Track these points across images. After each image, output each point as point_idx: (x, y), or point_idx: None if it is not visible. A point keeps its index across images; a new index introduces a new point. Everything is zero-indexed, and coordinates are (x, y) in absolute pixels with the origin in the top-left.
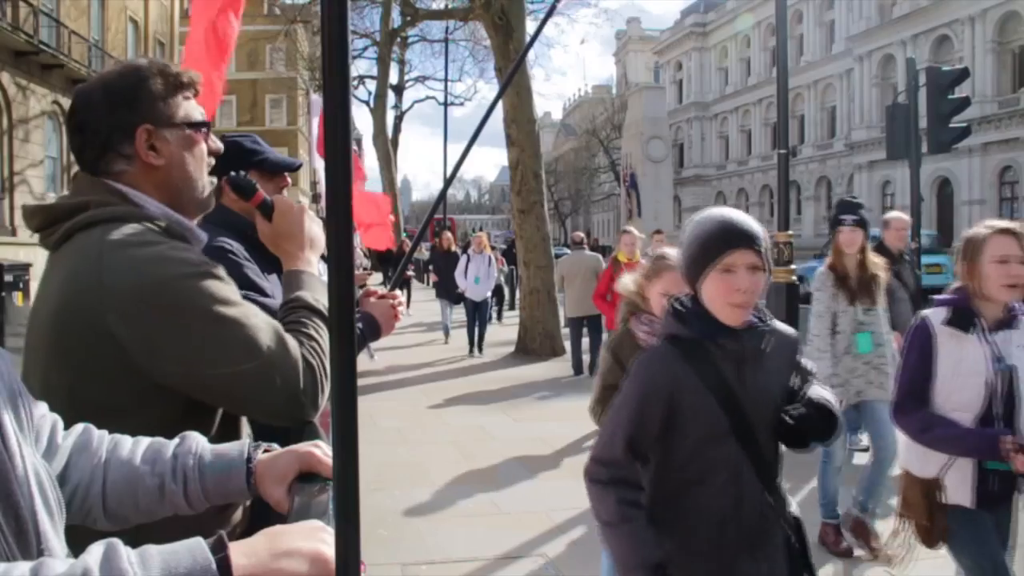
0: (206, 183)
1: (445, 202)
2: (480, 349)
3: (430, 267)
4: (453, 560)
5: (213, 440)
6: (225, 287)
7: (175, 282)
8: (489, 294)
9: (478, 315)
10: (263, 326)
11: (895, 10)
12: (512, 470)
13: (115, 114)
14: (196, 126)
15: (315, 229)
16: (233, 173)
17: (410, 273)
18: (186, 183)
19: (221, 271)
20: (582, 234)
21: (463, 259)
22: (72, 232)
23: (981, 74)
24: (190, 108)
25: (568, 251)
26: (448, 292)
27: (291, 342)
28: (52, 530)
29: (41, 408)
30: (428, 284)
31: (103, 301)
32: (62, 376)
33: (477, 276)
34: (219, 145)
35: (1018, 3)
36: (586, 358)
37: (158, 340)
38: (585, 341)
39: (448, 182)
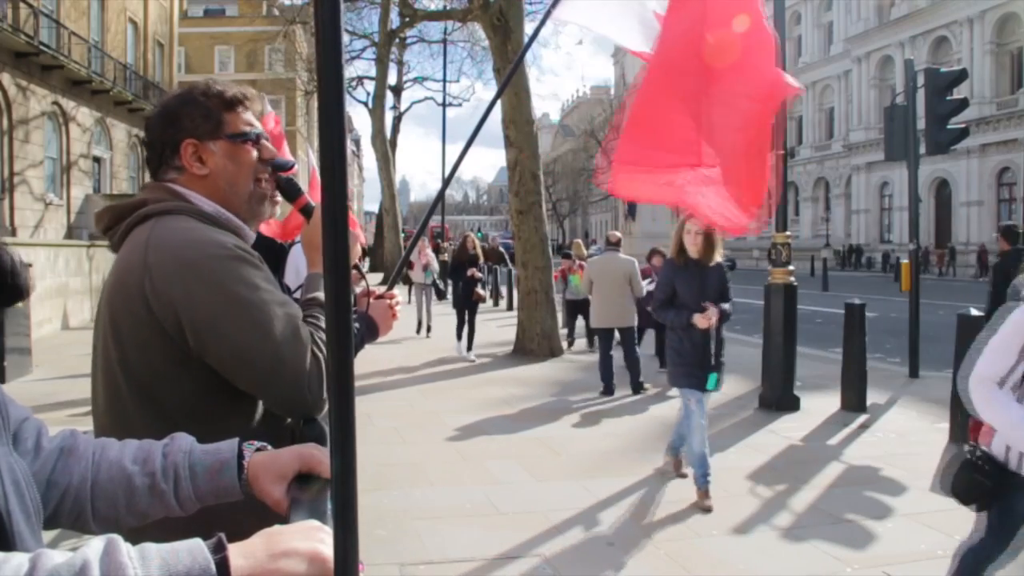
0: (250, 188)
1: (443, 203)
2: None
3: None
4: (451, 560)
5: (258, 425)
6: (252, 272)
7: (206, 261)
8: None
9: None
10: (279, 313)
11: (893, 11)
12: (510, 470)
13: (166, 131)
14: (242, 137)
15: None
16: (282, 175)
17: (480, 291)
18: (231, 189)
19: (254, 258)
20: (618, 234)
21: None
22: (132, 227)
23: (979, 75)
24: (239, 121)
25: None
26: (689, 374)
27: (303, 332)
28: (28, 530)
29: (24, 412)
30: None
31: (144, 276)
32: (117, 350)
33: None
34: (273, 151)
35: (1016, 4)
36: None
37: (180, 311)
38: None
39: (446, 183)
